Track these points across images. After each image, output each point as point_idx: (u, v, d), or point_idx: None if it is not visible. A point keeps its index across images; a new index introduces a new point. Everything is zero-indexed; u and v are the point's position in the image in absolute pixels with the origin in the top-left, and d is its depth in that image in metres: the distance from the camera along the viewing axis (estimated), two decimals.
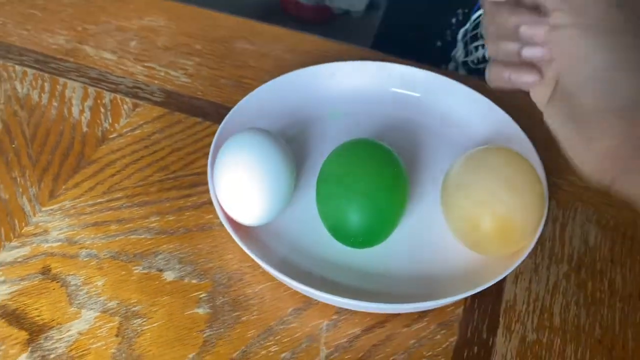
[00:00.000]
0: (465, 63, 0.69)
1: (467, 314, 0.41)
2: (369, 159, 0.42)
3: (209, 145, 0.46)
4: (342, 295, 0.38)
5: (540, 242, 0.45)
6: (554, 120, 0.37)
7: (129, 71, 0.56)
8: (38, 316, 0.40)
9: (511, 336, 0.40)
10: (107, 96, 0.53)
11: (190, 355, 0.38)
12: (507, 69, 0.38)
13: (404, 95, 0.53)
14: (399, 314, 0.41)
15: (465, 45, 0.67)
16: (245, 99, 0.49)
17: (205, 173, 0.44)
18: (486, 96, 0.50)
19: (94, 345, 0.38)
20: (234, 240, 0.41)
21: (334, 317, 0.40)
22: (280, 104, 0.51)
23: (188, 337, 0.39)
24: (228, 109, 0.48)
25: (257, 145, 0.41)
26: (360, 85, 0.53)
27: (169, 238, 0.44)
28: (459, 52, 0.67)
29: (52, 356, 0.38)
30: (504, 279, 0.43)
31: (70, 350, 0.38)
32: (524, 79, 0.37)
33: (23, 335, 0.39)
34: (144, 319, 0.40)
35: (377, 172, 0.41)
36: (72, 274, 0.42)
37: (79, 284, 0.41)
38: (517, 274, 0.43)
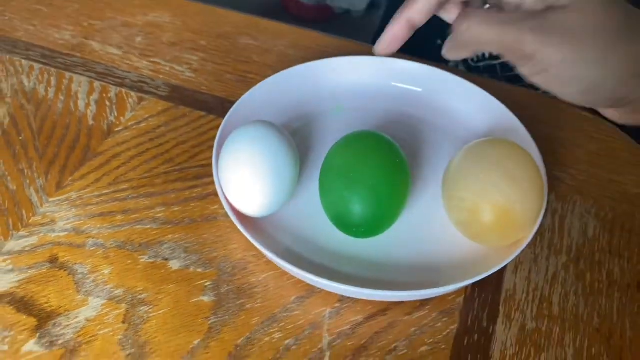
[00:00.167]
0: (465, 61, 0.70)
1: (467, 302, 0.42)
2: (371, 151, 0.43)
3: (214, 138, 0.46)
4: (344, 283, 0.39)
5: (540, 233, 0.45)
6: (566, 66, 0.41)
7: (135, 66, 0.56)
8: (46, 303, 0.40)
9: (511, 324, 0.41)
10: (113, 90, 0.54)
11: (196, 342, 0.39)
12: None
13: (406, 90, 0.53)
14: (400, 302, 0.41)
15: None
16: (248, 93, 0.49)
17: (209, 165, 0.45)
18: (486, 91, 0.50)
19: (101, 332, 0.39)
20: (238, 231, 0.41)
21: (337, 305, 0.41)
22: (283, 98, 0.51)
23: (193, 324, 0.40)
24: (232, 103, 0.49)
25: (262, 137, 0.42)
26: (362, 80, 0.53)
27: (175, 228, 0.44)
28: None
29: (60, 342, 0.38)
30: (504, 269, 0.43)
31: (78, 337, 0.39)
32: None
33: (32, 321, 0.39)
34: (150, 307, 0.40)
35: (379, 163, 0.42)
36: (79, 263, 0.42)
37: (85, 272, 0.42)
38: (517, 264, 0.44)
